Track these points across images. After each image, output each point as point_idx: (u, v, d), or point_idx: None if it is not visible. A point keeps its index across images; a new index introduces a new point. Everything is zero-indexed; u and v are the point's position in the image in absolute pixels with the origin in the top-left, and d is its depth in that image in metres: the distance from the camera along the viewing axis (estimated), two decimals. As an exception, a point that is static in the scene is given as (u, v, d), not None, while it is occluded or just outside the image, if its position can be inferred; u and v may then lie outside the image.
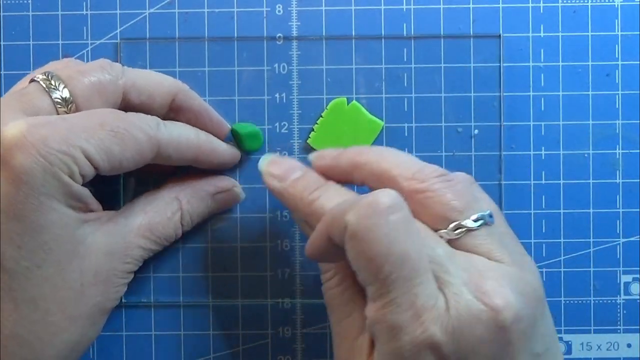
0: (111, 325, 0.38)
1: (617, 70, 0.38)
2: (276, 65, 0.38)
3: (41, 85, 0.32)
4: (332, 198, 0.32)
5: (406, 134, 0.38)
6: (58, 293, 0.31)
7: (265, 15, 0.38)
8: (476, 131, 0.38)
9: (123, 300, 0.38)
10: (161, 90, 0.35)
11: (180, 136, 0.34)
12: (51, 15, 0.38)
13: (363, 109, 0.38)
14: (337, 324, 0.31)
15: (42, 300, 0.31)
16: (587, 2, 0.38)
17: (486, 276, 0.28)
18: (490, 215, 0.30)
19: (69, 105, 0.32)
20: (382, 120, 0.38)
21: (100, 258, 0.32)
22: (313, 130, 0.38)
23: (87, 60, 0.38)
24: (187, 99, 0.36)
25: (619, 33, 0.38)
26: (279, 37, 0.38)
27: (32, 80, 0.32)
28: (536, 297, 0.29)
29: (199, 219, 0.37)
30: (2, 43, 0.38)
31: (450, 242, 0.30)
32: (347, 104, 0.38)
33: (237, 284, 0.38)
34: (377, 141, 0.38)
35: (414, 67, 0.38)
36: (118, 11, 0.38)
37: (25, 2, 0.38)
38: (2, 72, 0.38)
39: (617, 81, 0.38)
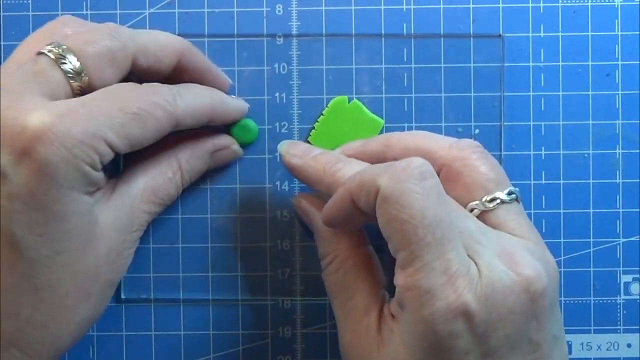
0: (111, 325, 0.38)
1: (617, 70, 0.38)
2: (276, 65, 0.38)
3: (51, 58, 0.31)
4: (355, 168, 0.32)
5: (406, 134, 0.38)
6: (76, 277, 0.31)
7: (265, 15, 0.38)
8: (477, 131, 0.38)
9: (123, 298, 0.38)
10: (168, 52, 0.34)
11: (195, 104, 0.34)
12: (51, 15, 0.38)
13: (364, 108, 0.38)
14: (340, 308, 0.32)
15: (60, 286, 0.31)
16: (587, 2, 0.38)
17: (516, 249, 0.29)
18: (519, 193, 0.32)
19: (81, 77, 0.32)
20: (383, 119, 0.38)
21: (111, 235, 0.33)
22: (314, 128, 0.38)
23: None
24: (192, 57, 0.36)
25: (619, 33, 0.38)
26: (279, 36, 0.38)
27: (40, 53, 0.32)
28: (557, 279, 0.30)
29: (197, 176, 0.37)
30: (2, 43, 0.38)
31: (480, 215, 0.31)
32: (348, 103, 0.38)
33: (237, 284, 0.38)
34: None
35: (414, 67, 0.38)
36: (118, 11, 0.38)
37: (25, 2, 0.38)
38: (2, 72, 0.38)
39: (617, 81, 0.38)
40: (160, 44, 0.34)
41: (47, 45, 0.32)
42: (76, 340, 0.33)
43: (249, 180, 0.38)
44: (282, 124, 0.38)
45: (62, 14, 0.38)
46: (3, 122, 0.29)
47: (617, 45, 0.38)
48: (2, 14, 0.38)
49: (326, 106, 0.38)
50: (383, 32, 0.38)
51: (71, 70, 0.31)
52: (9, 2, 0.38)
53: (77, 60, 0.31)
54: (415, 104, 0.38)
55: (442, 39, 0.38)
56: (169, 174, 0.35)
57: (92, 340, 0.38)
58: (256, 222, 0.38)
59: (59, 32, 0.34)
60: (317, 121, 0.38)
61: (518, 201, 0.32)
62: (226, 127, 0.37)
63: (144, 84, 0.33)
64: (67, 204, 0.30)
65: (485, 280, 0.27)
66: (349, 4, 0.38)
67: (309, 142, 0.38)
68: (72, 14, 0.38)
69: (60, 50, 0.31)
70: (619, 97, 0.38)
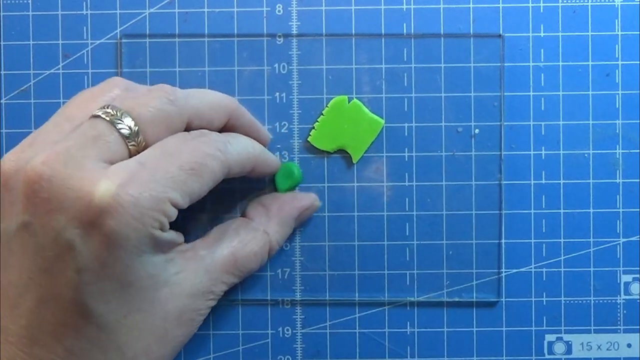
0: (111, 325, 0.38)
1: (617, 70, 0.38)
2: (276, 65, 0.38)
3: (107, 121, 0.31)
4: None
5: (406, 134, 0.38)
6: (144, 339, 0.31)
7: (265, 15, 0.38)
8: (477, 130, 0.38)
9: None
10: (220, 113, 0.34)
11: (244, 152, 0.34)
12: (51, 15, 0.38)
13: (364, 107, 0.38)
14: None
15: (128, 348, 0.31)
16: (587, 2, 0.38)
17: None
18: None
19: (138, 139, 0.31)
20: (383, 118, 0.38)
21: (184, 300, 0.32)
22: (314, 128, 0.38)
23: (88, 61, 0.38)
24: (239, 116, 0.36)
25: (619, 33, 0.38)
26: (279, 36, 0.38)
27: (95, 116, 0.31)
28: None
29: (284, 242, 0.37)
30: (2, 43, 0.38)
31: None
32: (348, 102, 0.38)
33: (237, 284, 0.38)
34: (378, 140, 0.38)
35: (414, 67, 0.38)
36: (118, 11, 0.38)
37: (25, 2, 0.38)
38: (2, 72, 0.38)
39: (617, 81, 0.38)
40: (213, 106, 0.34)
41: (102, 107, 0.31)
42: None
43: (249, 179, 0.38)
44: (282, 124, 0.38)
45: (62, 14, 0.38)
46: (65, 194, 0.29)
47: (617, 45, 0.38)
48: (2, 14, 0.38)
49: (326, 106, 0.38)
50: (383, 32, 0.38)
51: (129, 134, 0.31)
52: (9, 2, 0.38)
53: (135, 123, 0.31)
54: (415, 104, 0.38)
55: (442, 39, 0.38)
56: (255, 248, 0.35)
57: (92, 340, 0.38)
58: (256, 222, 0.38)
59: (109, 94, 0.33)
60: (317, 121, 0.38)
61: None
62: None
63: (192, 133, 0.33)
64: (136, 270, 0.30)
65: None
66: (349, 4, 0.38)
67: (309, 142, 0.38)
68: (72, 14, 0.38)
69: (117, 113, 0.31)
70: (619, 97, 0.38)
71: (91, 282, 0.29)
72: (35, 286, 0.29)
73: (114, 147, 0.30)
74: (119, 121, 0.31)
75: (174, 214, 0.30)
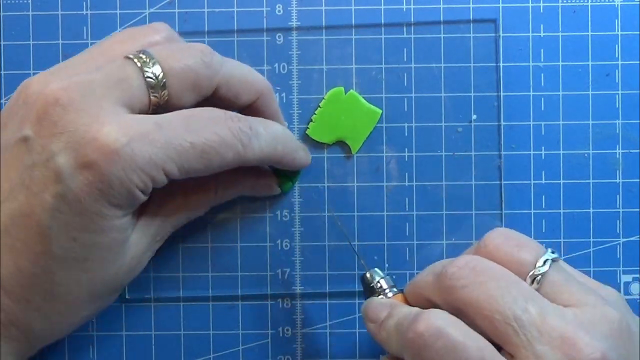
0: (111, 325, 0.38)
1: (617, 70, 0.38)
2: (276, 64, 0.38)
3: (137, 66, 0.31)
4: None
5: (406, 134, 0.38)
6: (93, 284, 0.32)
7: (265, 15, 0.38)
8: (474, 116, 0.38)
9: (127, 298, 0.38)
10: (250, 91, 0.34)
11: (269, 149, 0.33)
12: (51, 15, 0.38)
13: (361, 98, 0.38)
14: None
15: (76, 287, 0.31)
16: (587, 2, 0.38)
17: (576, 331, 0.28)
18: (553, 252, 0.31)
19: (162, 93, 0.31)
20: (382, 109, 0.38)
21: (139, 248, 0.33)
22: (312, 120, 0.38)
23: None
24: (268, 102, 0.35)
25: (619, 33, 0.38)
26: (279, 36, 0.38)
27: (128, 58, 0.31)
28: (622, 330, 0.29)
29: (228, 199, 0.37)
30: (2, 43, 0.38)
31: None
32: (345, 94, 0.38)
33: (237, 284, 0.38)
34: (378, 139, 0.38)
35: (414, 67, 0.38)
36: (118, 11, 0.38)
37: (25, 2, 0.38)
38: (2, 72, 0.38)
39: (617, 81, 0.38)
40: (245, 80, 0.34)
41: (138, 51, 0.31)
42: (70, 332, 0.34)
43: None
44: (282, 123, 0.38)
45: (62, 14, 0.38)
46: (75, 124, 0.29)
47: (617, 45, 0.38)
48: (2, 14, 0.38)
49: (323, 97, 0.38)
50: (383, 31, 0.38)
51: (154, 84, 0.31)
52: (9, 2, 0.38)
53: (163, 75, 0.31)
54: (415, 104, 0.38)
55: (441, 38, 0.38)
56: (203, 197, 0.35)
57: (92, 340, 0.38)
58: (256, 222, 0.38)
59: (149, 38, 0.33)
60: (315, 113, 0.38)
61: (557, 260, 0.31)
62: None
63: (227, 114, 0.32)
64: (108, 220, 0.30)
65: None
66: (348, 4, 0.38)
67: (307, 135, 0.38)
68: (72, 14, 0.38)
69: (149, 61, 0.31)
70: (619, 97, 0.38)
71: (64, 212, 0.30)
72: (13, 200, 0.30)
73: (136, 92, 0.31)
74: (148, 69, 0.31)
75: (162, 182, 0.31)
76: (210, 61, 0.32)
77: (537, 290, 0.29)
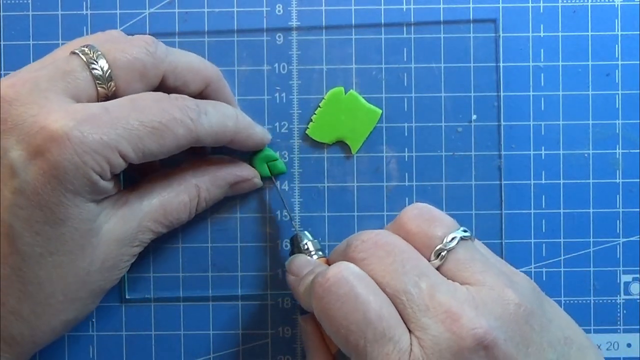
0: (111, 325, 0.38)
1: (617, 70, 0.38)
2: (276, 64, 0.38)
3: (82, 60, 0.32)
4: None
5: (406, 134, 0.38)
6: (65, 279, 0.32)
7: (265, 15, 0.38)
8: (474, 116, 0.38)
9: (127, 298, 0.38)
10: (198, 77, 0.35)
11: (219, 125, 0.34)
12: (51, 15, 0.38)
13: (361, 98, 0.38)
14: None
15: (48, 284, 0.31)
16: (587, 2, 0.38)
17: (463, 308, 0.28)
18: (465, 230, 0.31)
19: (109, 84, 0.32)
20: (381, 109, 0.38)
21: (111, 246, 0.33)
22: (311, 121, 0.38)
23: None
24: (218, 88, 0.36)
25: (619, 33, 0.38)
26: (279, 36, 0.38)
27: (73, 53, 0.32)
28: (519, 314, 0.29)
29: (212, 203, 0.37)
30: (2, 43, 0.38)
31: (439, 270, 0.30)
32: (345, 94, 0.38)
33: (237, 284, 0.38)
34: (378, 139, 0.38)
35: (414, 67, 0.38)
36: (118, 11, 0.38)
37: (25, 2, 0.38)
38: (2, 72, 0.38)
39: (617, 81, 0.38)
40: (192, 68, 0.34)
41: (83, 46, 0.32)
42: (56, 338, 0.33)
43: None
44: (282, 123, 0.38)
45: (62, 14, 0.38)
46: (23, 117, 0.30)
47: (617, 45, 0.38)
48: (2, 14, 0.38)
49: (323, 98, 0.38)
50: (383, 31, 0.38)
51: (100, 76, 0.32)
52: (9, 2, 0.38)
53: (109, 67, 0.32)
54: (415, 104, 0.38)
55: (441, 38, 0.38)
56: (185, 199, 0.35)
57: (92, 340, 0.38)
58: (256, 222, 0.38)
59: (99, 40, 0.34)
60: (315, 113, 0.38)
61: (469, 239, 0.31)
62: (249, 156, 0.37)
63: (172, 95, 0.33)
64: (69, 209, 0.30)
65: (428, 351, 0.28)
66: (348, 4, 0.38)
67: (307, 135, 0.38)
68: (72, 14, 0.38)
69: (93, 54, 0.32)
70: (619, 97, 0.38)
71: (23, 207, 0.30)
72: None
73: (82, 85, 0.31)
74: (94, 62, 0.32)
75: (119, 165, 0.31)
76: (155, 50, 0.33)
77: (440, 266, 0.30)
